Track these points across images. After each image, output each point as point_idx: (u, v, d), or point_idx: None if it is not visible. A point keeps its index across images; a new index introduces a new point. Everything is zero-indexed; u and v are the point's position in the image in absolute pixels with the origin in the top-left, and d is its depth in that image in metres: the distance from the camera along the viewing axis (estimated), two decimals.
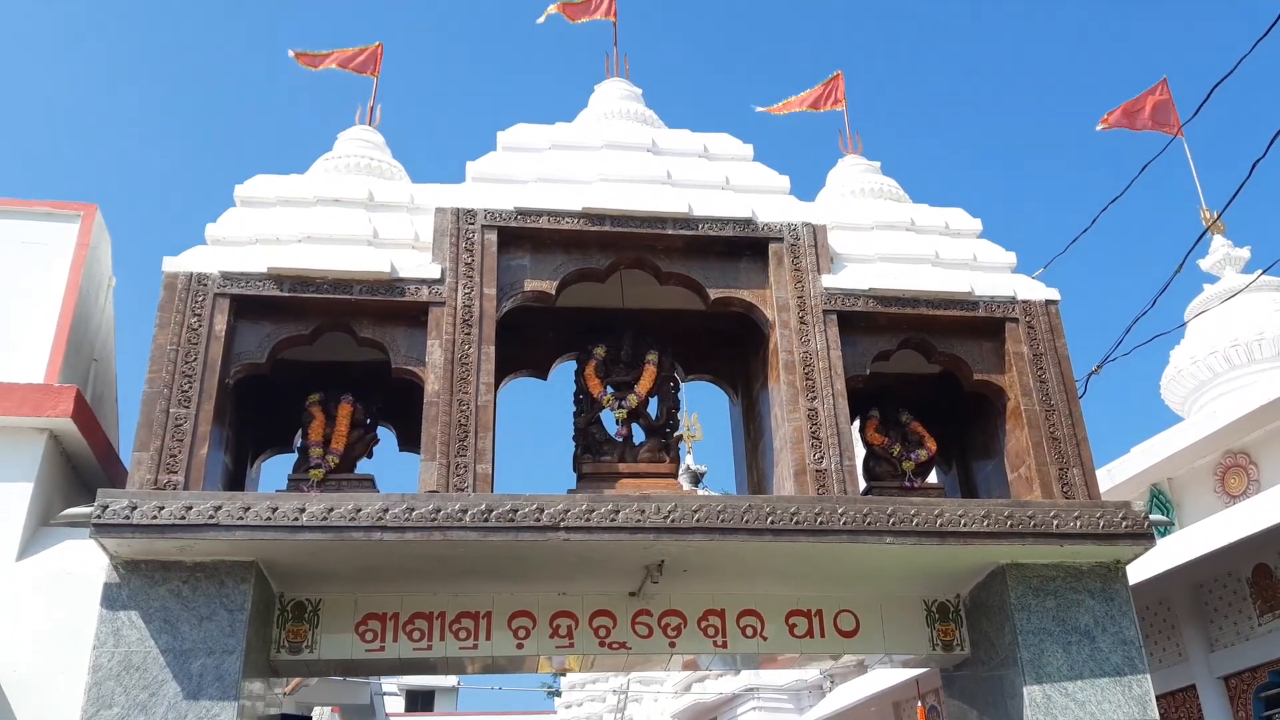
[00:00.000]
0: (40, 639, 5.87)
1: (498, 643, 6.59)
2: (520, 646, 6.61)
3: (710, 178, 7.41)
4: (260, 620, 6.08)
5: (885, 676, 11.33)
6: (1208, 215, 11.17)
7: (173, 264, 6.47)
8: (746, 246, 7.16)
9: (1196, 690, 8.71)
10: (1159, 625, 9.12)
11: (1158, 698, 6.39)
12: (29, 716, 5.66)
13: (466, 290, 6.62)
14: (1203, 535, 8.06)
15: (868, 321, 7.06)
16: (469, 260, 6.72)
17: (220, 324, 6.33)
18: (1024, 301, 7.19)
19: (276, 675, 6.65)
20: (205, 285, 6.40)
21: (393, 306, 6.59)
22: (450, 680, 38.84)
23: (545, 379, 7.64)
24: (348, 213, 6.92)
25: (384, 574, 6.33)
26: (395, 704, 38.60)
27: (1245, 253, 11.34)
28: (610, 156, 7.37)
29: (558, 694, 27.36)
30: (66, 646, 5.80)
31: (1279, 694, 8.14)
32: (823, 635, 6.88)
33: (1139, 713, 6.25)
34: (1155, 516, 6.62)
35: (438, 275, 6.64)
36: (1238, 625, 8.48)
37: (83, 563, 6.02)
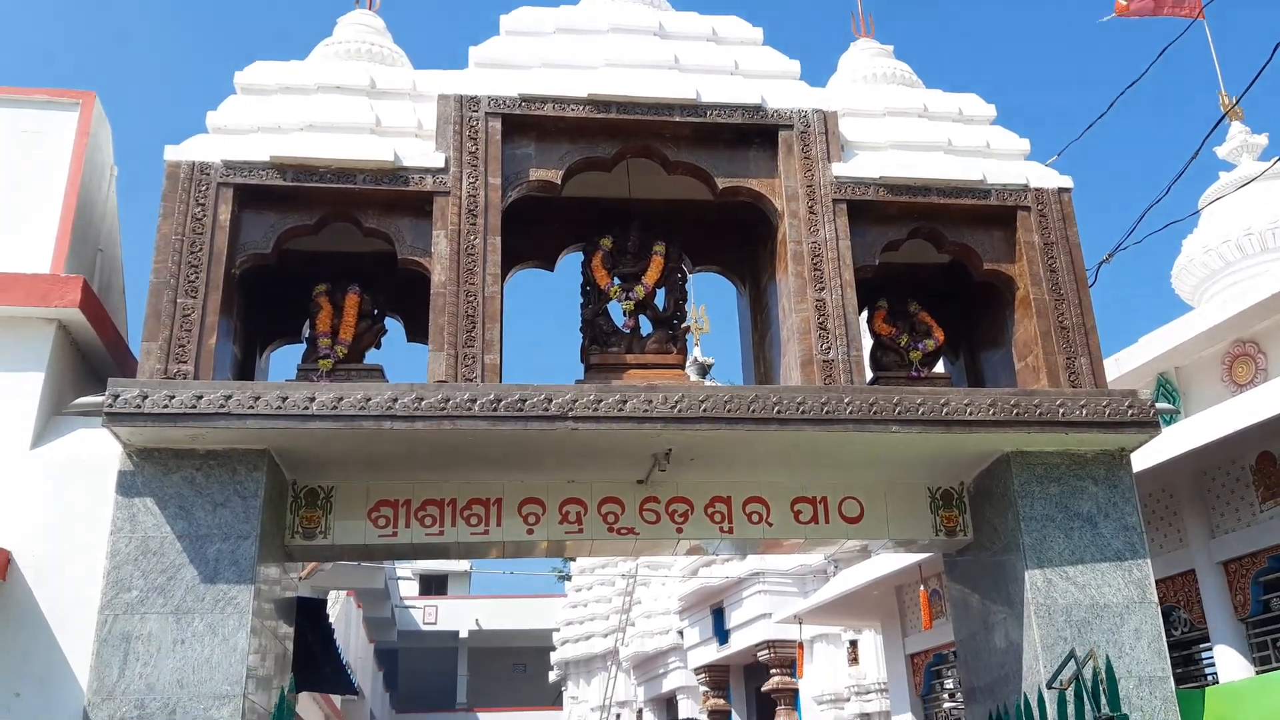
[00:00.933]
0: (57, 524, 5.97)
1: (508, 528, 6.70)
2: (530, 532, 6.72)
3: (719, 63, 7.26)
4: (274, 507, 6.18)
5: (888, 561, 11.52)
6: (1226, 100, 10.94)
7: (175, 153, 6.40)
8: (755, 134, 7.04)
9: (1196, 575, 8.84)
10: (1161, 512, 9.21)
11: (1157, 581, 6.51)
12: (48, 599, 5.79)
13: (471, 180, 6.55)
14: (1208, 423, 8.09)
15: (877, 211, 6.98)
16: (473, 149, 6.63)
17: (224, 214, 6.29)
18: (1036, 189, 7.10)
19: (291, 560, 6.79)
20: (208, 175, 6.34)
21: (397, 196, 6.53)
22: (463, 565, 39.74)
23: (552, 270, 7.61)
24: (350, 100, 6.81)
25: (395, 462, 6.40)
26: (409, 588, 39.57)
27: (1263, 139, 11.13)
28: (616, 41, 7.21)
29: (568, 578, 27.99)
30: (83, 531, 5.91)
31: (1277, 579, 8.27)
32: (827, 521, 6.98)
33: (1138, 595, 6.37)
34: (1161, 405, 6.65)
35: (441, 164, 6.56)
36: (1239, 512, 8.56)
37: (96, 450, 6.09)
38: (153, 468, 5.88)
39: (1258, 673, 8.18)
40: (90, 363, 6.95)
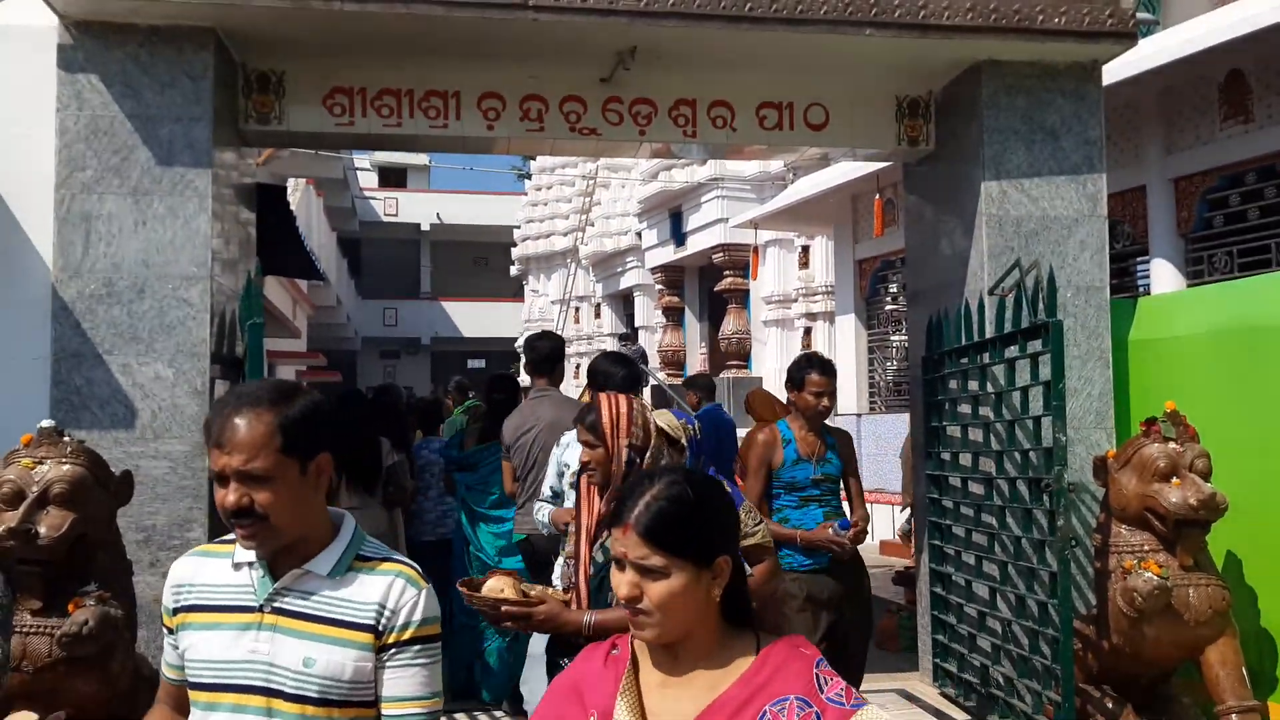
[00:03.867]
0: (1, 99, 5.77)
1: (467, 123, 6.58)
2: (490, 128, 6.62)
3: None
4: (224, 90, 5.99)
5: (845, 170, 11.60)
6: None
7: None
8: None
9: (1145, 190, 9.00)
10: (1122, 127, 9.21)
11: (1108, 196, 6.62)
12: (1, 176, 5.72)
13: None
14: (1183, 36, 7.90)
15: None
16: None
17: None
18: None
19: (247, 145, 6.69)
20: None
21: None
22: (421, 159, 39.58)
23: None
24: None
25: (348, 48, 6.16)
26: (368, 179, 39.52)
27: None
28: None
29: (528, 177, 28.00)
30: (28, 107, 5.72)
31: (1224, 196, 8.46)
32: (791, 128, 6.91)
33: (1089, 209, 6.51)
34: (1141, 15, 6.45)
35: None
36: (1199, 130, 8.58)
37: (33, 21, 5.75)
38: (93, 42, 5.60)
39: (1189, 285, 8.58)
40: None
